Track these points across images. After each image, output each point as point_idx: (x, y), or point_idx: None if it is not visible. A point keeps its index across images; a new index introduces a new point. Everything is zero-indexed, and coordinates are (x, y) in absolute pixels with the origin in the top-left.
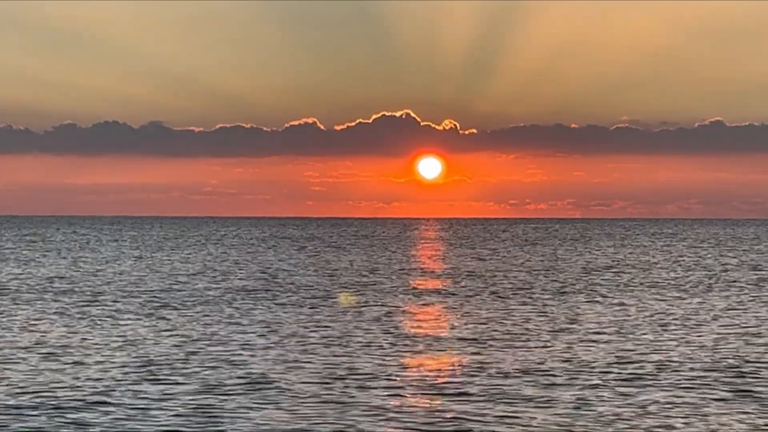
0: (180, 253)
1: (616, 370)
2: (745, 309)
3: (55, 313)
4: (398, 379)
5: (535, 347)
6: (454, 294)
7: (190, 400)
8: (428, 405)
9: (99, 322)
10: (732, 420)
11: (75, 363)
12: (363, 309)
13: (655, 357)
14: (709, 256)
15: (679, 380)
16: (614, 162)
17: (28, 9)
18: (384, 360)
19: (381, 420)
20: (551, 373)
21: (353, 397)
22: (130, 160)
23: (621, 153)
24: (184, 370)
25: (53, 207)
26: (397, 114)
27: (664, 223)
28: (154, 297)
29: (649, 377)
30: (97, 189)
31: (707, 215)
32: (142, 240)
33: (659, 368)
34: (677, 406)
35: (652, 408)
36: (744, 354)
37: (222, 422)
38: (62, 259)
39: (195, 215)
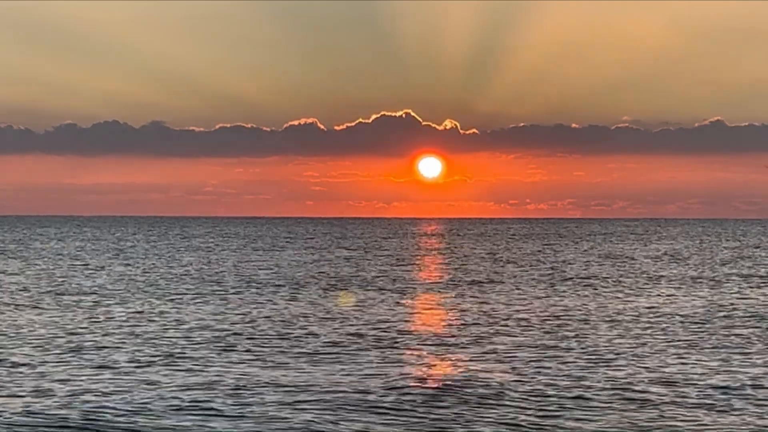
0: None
1: None
2: None
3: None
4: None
5: None
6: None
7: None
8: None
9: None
10: None
11: None
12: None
13: None
14: None
15: None
16: (615, 162)
17: (28, 9)
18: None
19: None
20: None
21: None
22: (130, 160)
23: (621, 153)
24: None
25: (53, 207)
26: (397, 114)
27: (665, 223)
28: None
29: None
30: (97, 189)
31: (707, 215)
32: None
33: None
34: None
35: None
36: None
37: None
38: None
39: (195, 215)
